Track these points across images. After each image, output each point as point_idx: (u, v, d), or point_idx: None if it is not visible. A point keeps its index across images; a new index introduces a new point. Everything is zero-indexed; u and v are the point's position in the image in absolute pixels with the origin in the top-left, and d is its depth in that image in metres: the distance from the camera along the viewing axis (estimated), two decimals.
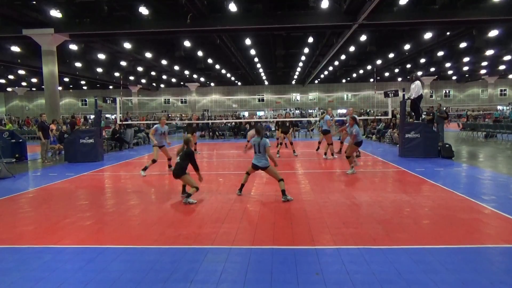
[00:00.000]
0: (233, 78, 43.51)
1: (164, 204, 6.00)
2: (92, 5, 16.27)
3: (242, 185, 6.50)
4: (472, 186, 7.06)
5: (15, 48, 23.64)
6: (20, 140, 12.03)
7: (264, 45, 26.19)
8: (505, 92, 48.01)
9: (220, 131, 22.37)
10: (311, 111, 43.15)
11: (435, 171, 8.63)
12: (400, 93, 11.46)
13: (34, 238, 4.45)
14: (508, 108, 36.84)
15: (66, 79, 38.26)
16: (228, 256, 3.74)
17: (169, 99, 51.72)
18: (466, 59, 30.62)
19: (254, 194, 6.61)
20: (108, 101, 13.38)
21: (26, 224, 5.03)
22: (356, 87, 48.83)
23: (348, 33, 17.86)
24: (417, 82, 11.45)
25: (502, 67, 36.57)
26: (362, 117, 20.88)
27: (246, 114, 44.87)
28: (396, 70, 38.04)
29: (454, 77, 46.77)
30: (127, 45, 22.95)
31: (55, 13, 15.64)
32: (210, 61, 29.61)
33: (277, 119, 13.43)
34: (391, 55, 29.07)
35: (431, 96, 46.66)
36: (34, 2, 16.03)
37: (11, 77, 38.14)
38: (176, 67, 32.64)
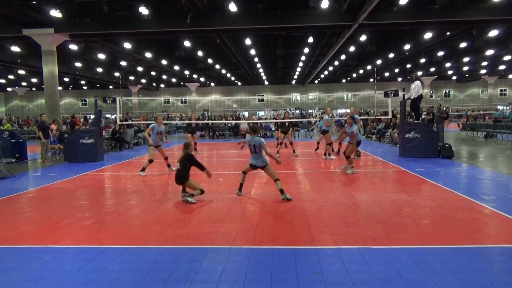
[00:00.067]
0: (233, 78, 43.51)
1: (164, 204, 6.00)
2: (92, 5, 16.27)
3: (241, 185, 6.51)
4: (472, 186, 7.05)
5: (15, 48, 23.66)
6: (20, 140, 12.04)
7: (264, 45, 26.19)
8: (505, 92, 48.02)
9: (220, 131, 22.39)
10: (311, 111, 43.14)
11: (435, 171, 8.63)
12: (400, 93, 11.46)
13: (34, 238, 4.44)
14: (508, 108, 36.79)
15: (66, 79, 38.28)
16: (228, 256, 3.74)
17: (169, 99, 51.70)
18: (466, 59, 30.60)
19: (254, 194, 6.61)
20: (108, 101, 13.39)
21: (26, 224, 5.03)
22: (356, 87, 48.82)
23: (348, 33, 17.87)
24: (417, 82, 11.43)
25: (502, 67, 36.56)
26: (362, 117, 20.87)
27: (246, 114, 44.85)
28: (396, 70, 38.03)
29: (454, 77, 46.79)
30: (127, 45, 22.95)
31: (55, 13, 15.65)
32: (210, 61, 29.61)
33: (277, 120, 13.42)
34: (391, 55, 29.06)
35: (431, 96, 46.66)
36: (34, 2, 16.04)
37: (11, 77, 38.15)
38: (176, 67, 32.64)
